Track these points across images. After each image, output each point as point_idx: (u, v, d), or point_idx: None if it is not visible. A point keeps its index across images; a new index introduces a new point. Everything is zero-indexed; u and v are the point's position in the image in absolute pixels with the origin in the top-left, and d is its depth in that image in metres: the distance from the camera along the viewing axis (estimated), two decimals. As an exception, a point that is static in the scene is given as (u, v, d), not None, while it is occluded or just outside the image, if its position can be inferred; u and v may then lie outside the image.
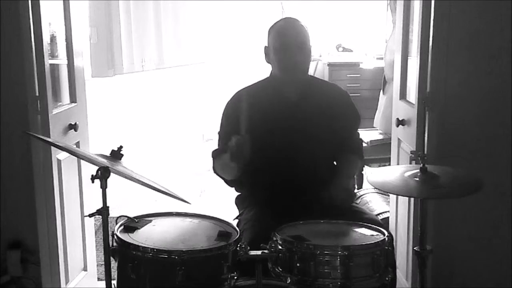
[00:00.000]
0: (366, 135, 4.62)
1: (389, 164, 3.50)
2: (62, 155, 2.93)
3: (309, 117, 2.58)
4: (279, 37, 2.54)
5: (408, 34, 3.12)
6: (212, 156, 2.65)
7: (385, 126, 4.68)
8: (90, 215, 2.05)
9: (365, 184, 4.44)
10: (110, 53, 6.96)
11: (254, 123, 2.51)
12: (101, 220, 2.04)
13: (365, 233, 2.12)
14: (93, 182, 2.00)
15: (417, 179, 2.13)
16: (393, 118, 3.19)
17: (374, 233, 2.11)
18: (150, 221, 2.18)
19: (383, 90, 4.95)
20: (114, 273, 2.08)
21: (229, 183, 2.69)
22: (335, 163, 2.71)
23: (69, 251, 3.03)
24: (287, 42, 2.51)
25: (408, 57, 3.13)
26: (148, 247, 1.95)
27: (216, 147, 2.68)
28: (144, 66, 7.36)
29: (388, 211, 3.48)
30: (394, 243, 3.11)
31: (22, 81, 2.79)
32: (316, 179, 2.57)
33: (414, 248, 2.22)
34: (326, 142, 2.62)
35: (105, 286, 2.07)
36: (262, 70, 2.90)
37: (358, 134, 2.77)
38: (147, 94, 7.33)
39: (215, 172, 2.65)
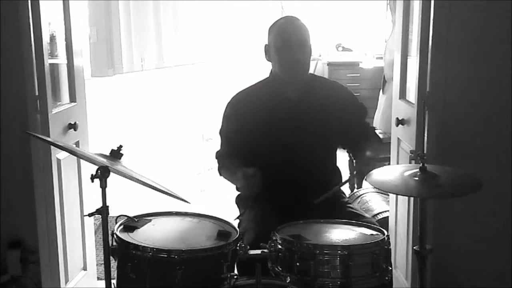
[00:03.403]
0: (366, 135, 4.61)
1: (389, 164, 3.50)
2: (62, 155, 2.93)
3: (310, 116, 2.58)
4: (280, 35, 2.54)
5: (408, 34, 3.11)
6: (217, 159, 2.65)
7: (384, 126, 4.68)
8: (90, 215, 2.05)
9: (365, 183, 4.43)
10: (109, 53, 6.97)
11: (255, 123, 2.52)
12: (100, 219, 2.04)
13: (364, 233, 2.12)
14: (92, 181, 2.00)
15: (417, 178, 2.13)
16: (392, 117, 3.19)
17: (374, 232, 2.11)
18: (150, 220, 2.19)
19: (382, 90, 4.95)
20: (114, 273, 2.08)
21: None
22: (353, 155, 2.73)
23: (69, 250, 3.03)
24: (288, 40, 2.51)
25: (408, 57, 3.13)
26: (148, 247, 1.95)
27: (218, 147, 2.68)
28: (144, 66, 7.36)
29: (388, 211, 3.48)
30: (394, 243, 3.13)
31: (22, 80, 2.79)
32: (318, 179, 2.57)
33: (414, 248, 2.22)
34: (328, 141, 2.62)
35: (105, 286, 2.07)
36: (262, 70, 2.90)
37: (368, 123, 2.77)
38: (147, 93, 7.33)
39: (220, 175, 2.66)
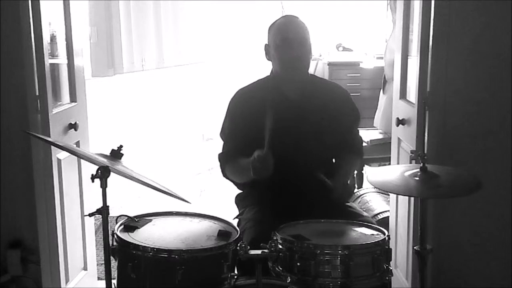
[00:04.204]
0: (366, 135, 4.62)
1: (389, 164, 3.50)
2: (62, 155, 2.93)
3: (310, 115, 2.58)
4: (280, 34, 2.54)
5: (408, 34, 3.12)
6: (220, 160, 2.64)
7: (385, 126, 4.68)
8: (90, 215, 2.05)
9: (365, 183, 4.44)
10: (110, 53, 6.96)
11: (256, 121, 2.52)
12: (101, 219, 2.04)
13: (365, 233, 2.12)
14: (93, 181, 2.00)
15: (417, 178, 2.13)
16: (393, 117, 3.19)
17: (374, 232, 2.11)
18: (150, 220, 2.19)
19: (383, 90, 4.95)
20: (114, 273, 2.08)
21: (240, 185, 2.70)
22: (334, 160, 2.72)
23: (69, 250, 3.03)
24: (287, 38, 2.52)
25: (408, 57, 3.13)
26: (148, 247, 1.95)
27: (219, 148, 2.67)
28: (144, 66, 7.36)
29: (388, 211, 3.48)
30: (394, 243, 3.13)
31: (22, 80, 2.79)
32: (316, 179, 2.57)
33: (414, 248, 2.22)
34: (327, 141, 2.63)
35: (105, 286, 2.07)
36: (262, 70, 2.90)
37: (358, 131, 2.78)
38: (147, 93, 7.32)
39: (225, 176, 2.64)
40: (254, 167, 2.31)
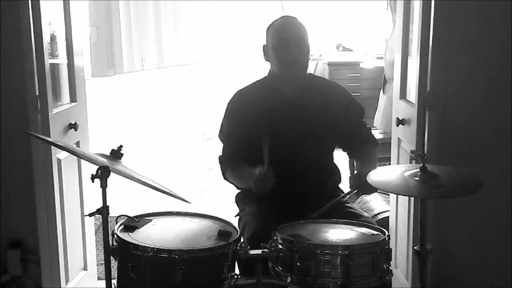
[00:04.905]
0: (366, 135, 4.61)
1: (389, 164, 3.50)
2: (62, 155, 2.93)
3: (308, 115, 2.58)
4: (278, 34, 2.54)
5: (408, 34, 3.11)
6: (220, 163, 2.64)
7: (385, 126, 4.68)
8: (90, 215, 2.05)
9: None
10: (110, 53, 6.97)
11: (254, 122, 2.53)
12: (101, 219, 2.04)
13: (365, 233, 2.12)
14: (93, 181, 2.00)
15: (417, 178, 2.13)
16: (393, 117, 3.19)
17: (375, 232, 2.11)
18: (150, 220, 2.19)
19: (383, 90, 4.95)
20: (114, 273, 2.08)
21: (240, 188, 2.70)
22: (350, 156, 2.75)
23: (69, 250, 3.03)
24: (285, 38, 2.52)
25: (408, 57, 3.13)
26: (148, 247, 1.95)
27: (219, 148, 2.67)
28: (144, 66, 7.37)
29: (388, 211, 3.48)
30: (395, 243, 3.13)
31: (22, 80, 2.79)
32: (316, 177, 2.57)
33: (414, 248, 2.22)
34: (327, 140, 2.63)
35: (105, 286, 2.07)
36: (262, 70, 2.91)
37: (364, 123, 2.78)
38: (147, 93, 7.33)
39: (225, 178, 2.65)
40: (256, 184, 2.33)
